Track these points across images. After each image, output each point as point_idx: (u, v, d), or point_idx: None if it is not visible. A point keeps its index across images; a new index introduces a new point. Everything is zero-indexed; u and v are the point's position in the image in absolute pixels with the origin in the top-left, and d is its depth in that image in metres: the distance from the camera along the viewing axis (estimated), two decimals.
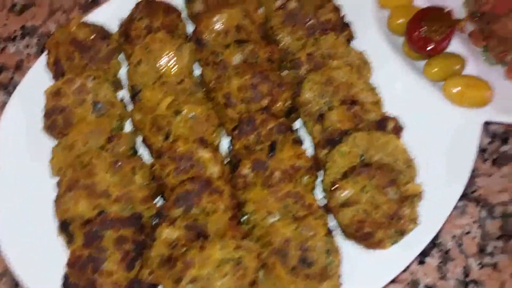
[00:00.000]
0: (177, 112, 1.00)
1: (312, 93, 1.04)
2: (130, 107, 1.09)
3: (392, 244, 0.95)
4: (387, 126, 1.01)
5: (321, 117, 1.03)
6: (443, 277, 1.04)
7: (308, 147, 1.06)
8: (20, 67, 1.24)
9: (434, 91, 1.08)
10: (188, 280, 0.87)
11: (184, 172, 0.96)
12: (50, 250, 0.99)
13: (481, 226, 1.09)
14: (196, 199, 0.93)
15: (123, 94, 1.11)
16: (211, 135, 1.02)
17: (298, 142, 1.03)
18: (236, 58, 1.06)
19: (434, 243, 1.07)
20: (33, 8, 1.25)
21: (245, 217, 0.96)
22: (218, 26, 1.08)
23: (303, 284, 0.89)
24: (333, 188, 0.95)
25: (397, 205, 0.94)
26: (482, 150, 1.15)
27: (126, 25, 1.09)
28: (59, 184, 0.97)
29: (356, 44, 1.13)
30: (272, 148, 0.98)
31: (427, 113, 1.07)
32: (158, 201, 1.01)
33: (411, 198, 0.94)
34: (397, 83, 1.10)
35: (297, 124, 1.08)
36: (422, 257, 1.06)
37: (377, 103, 1.04)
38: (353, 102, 1.02)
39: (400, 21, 1.11)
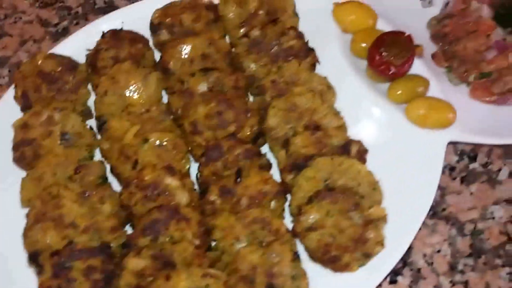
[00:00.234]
0: (144, 141, 1.02)
1: (277, 119, 1.06)
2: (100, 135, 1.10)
3: (359, 266, 0.96)
4: (351, 149, 1.03)
5: (286, 143, 1.05)
6: None
7: (276, 171, 1.08)
8: None
9: (398, 114, 1.10)
10: None
11: (152, 201, 0.97)
12: (22, 281, 1.00)
13: (452, 244, 1.11)
14: (163, 228, 0.94)
15: (94, 122, 1.12)
16: (179, 162, 1.03)
17: (266, 166, 1.05)
18: (202, 86, 1.08)
19: (405, 262, 1.09)
20: (3, 38, 1.27)
21: (213, 244, 0.98)
22: (183, 55, 1.10)
23: None
24: (298, 213, 0.96)
25: (361, 229, 0.95)
26: (451, 168, 1.17)
27: (93, 56, 1.11)
28: (28, 215, 0.98)
29: (321, 68, 1.15)
30: (239, 174, 1.00)
31: (391, 135, 1.10)
32: (128, 229, 1.02)
33: (376, 221, 0.95)
34: (361, 106, 1.12)
35: (265, 148, 1.10)
36: (393, 276, 1.07)
37: (341, 127, 1.05)
38: (317, 127, 1.04)
39: (363, 45, 1.13)
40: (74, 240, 0.93)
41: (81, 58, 1.14)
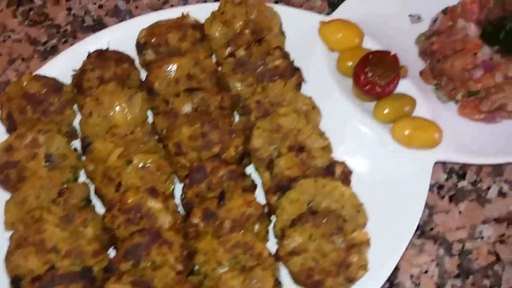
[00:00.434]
0: (128, 163, 1.01)
1: (261, 140, 1.04)
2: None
3: None
4: (336, 171, 1.01)
5: (270, 164, 1.03)
6: None
7: (262, 192, 1.07)
8: None
9: (384, 133, 1.09)
10: None
11: (134, 224, 0.96)
12: None
13: (439, 264, 1.09)
14: (144, 252, 0.93)
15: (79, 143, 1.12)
16: (163, 183, 1.02)
17: (250, 188, 1.04)
18: (186, 107, 1.07)
19: (391, 283, 1.07)
20: None
21: (196, 268, 0.96)
22: (168, 75, 1.09)
23: None
24: (282, 236, 0.95)
25: (345, 253, 0.93)
26: (439, 187, 1.15)
27: (79, 76, 1.10)
28: (10, 239, 0.97)
29: (307, 87, 1.13)
30: (222, 196, 0.99)
31: (377, 155, 1.08)
32: (112, 252, 1.01)
33: (359, 245, 0.94)
34: (347, 125, 1.11)
35: (251, 168, 1.09)
36: None
37: (326, 148, 1.04)
38: (301, 148, 1.02)
39: (349, 63, 1.12)
40: (55, 265, 0.91)
41: (68, 78, 1.13)
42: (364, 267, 0.94)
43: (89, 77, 1.09)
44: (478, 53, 1.09)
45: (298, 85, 1.13)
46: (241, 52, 1.11)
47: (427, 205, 1.11)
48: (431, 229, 1.11)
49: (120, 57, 1.12)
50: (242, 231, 0.95)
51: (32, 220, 0.95)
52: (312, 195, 0.98)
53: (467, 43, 1.09)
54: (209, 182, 1.01)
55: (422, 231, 1.11)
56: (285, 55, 1.12)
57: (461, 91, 1.12)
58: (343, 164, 1.03)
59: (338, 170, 1.02)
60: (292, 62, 1.13)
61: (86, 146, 1.05)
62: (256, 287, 0.89)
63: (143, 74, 1.15)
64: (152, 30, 1.14)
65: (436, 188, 1.14)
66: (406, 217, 1.03)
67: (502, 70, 1.08)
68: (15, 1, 1.31)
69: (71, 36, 1.28)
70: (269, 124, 1.05)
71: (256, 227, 0.97)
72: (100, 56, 1.11)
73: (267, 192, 1.03)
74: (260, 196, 1.05)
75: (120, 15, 1.31)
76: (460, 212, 1.13)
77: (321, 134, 1.06)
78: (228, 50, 1.13)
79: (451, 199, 1.14)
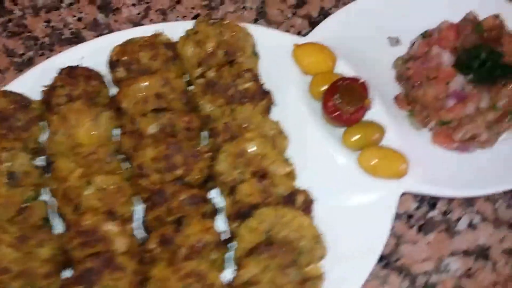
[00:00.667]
0: (88, 183, 0.98)
1: (226, 164, 1.01)
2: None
3: None
4: (297, 199, 0.98)
5: (232, 190, 1.01)
6: None
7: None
8: None
9: (352, 161, 1.05)
10: None
11: (90, 247, 0.94)
12: None
13: None
14: (97, 277, 0.90)
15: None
16: (123, 206, 0.99)
17: (211, 213, 1.01)
18: (152, 127, 1.04)
19: None
20: None
21: None
22: (137, 94, 1.07)
23: None
24: (236, 267, 0.93)
25: (298, 286, 0.91)
26: (409, 216, 1.11)
27: (48, 93, 1.07)
28: None
29: (278, 110, 1.10)
30: (179, 222, 0.96)
31: (343, 183, 1.04)
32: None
33: (313, 279, 0.91)
34: (316, 151, 1.07)
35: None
36: None
37: (289, 175, 1.00)
38: (264, 175, 0.99)
39: (321, 88, 1.08)
40: (6, 286, 0.90)
41: (39, 94, 1.12)
42: None
43: (58, 94, 1.06)
44: (450, 82, 1.04)
45: (268, 108, 1.10)
46: (211, 73, 1.08)
47: (394, 235, 1.07)
48: (397, 260, 1.07)
49: (90, 74, 1.09)
50: (197, 259, 0.92)
51: None
52: (271, 224, 0.95)
53: (440, 71, 1.04)
54: (169, 206, 0.99)
55: (387, 262, 1.06)
56: (256, 78, 1.08)
57: (434, 119, 1.07)
58: (305, 192, 1.00)
59: (299, 199, 0.98)
60: (263, 85, 1.09)
61: (49, 164, 1.03)
62: None
63: (115, 92, 1.13)
64: (124, 47, 1.10)
65: (406, 217, 1.10)
66: (368, 248, 0.99)
67: (474, 101, 1.03)
68: None
69: (48, 49, 1.25)
70: (234, 148, 1.01)
71: (213, 255, 0.95)
72: (70, 73, 1.08)
73: (228, 218, 1.00)
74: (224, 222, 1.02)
75: (98, 28, 1.29)
76: (428, 243, 1.09)
77: (286, 161, 1.02)
78: (199, 70, 1.10)
79: (420, 229, 1.10)
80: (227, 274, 0.97)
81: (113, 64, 1.11)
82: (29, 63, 1.24)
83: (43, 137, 1.08)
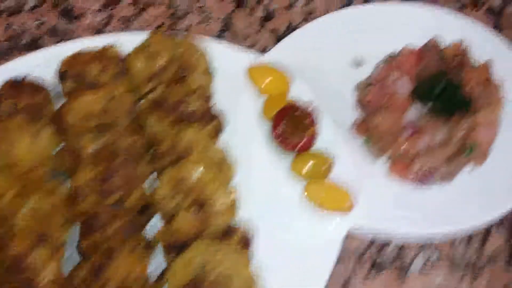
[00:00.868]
0: (21, 204, 0.94)
1: (166, 191, 0.95)
2: None
3: None
4: (235, 233, 0.92)
5: (170, 219, 0.95)
6: None
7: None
8: None
9: (298, 191, 0.97)
10: None
11: (16, 273, 0.90)
12: None
13: None
14: None
15: None
16: (57, 230, 0.94)
17: (149, 243, 0.95)
18: (93, 146, 0.99)
19: None
20: None
21: None
22: (80, 109, 1.01)
23: None
24: None
25: None
26: (361, 254, 1.04)
27: None
28: None
29: (229, 132, 1.03)
30: (109, 252, 0.91)
31: (287, 216, 0.96)
32: None
33: None
34: (262, 178, 0.99)
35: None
36: None
37: (231, 206, 0.92)
38: (202, 205, 0.93)
39: (274, 110, 0.99)
40: None
41: None
42: None
43: (0, 107, 1.03)
44: (406, 112, 0.96)
45: (218, 131, 1.03)
46: (159, 90, 1.02)
47: (342, 274, 1.01)
48: None
49: (36, 88, 1.02)
50: None
51: None
52: (204, 260, 0.88)
53: (397, 99, 0.96)
54: (103, 232, 0.94)
55: None
56: (207, 98, 1.02)
57: (390, 149, 1.00)
58: (245, 225, 0.94)
59: (238, 233, 0.92)
60: (214, 105, 1.03)
61: None
62: None
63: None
64: (74, 59, 1.04)
65: (357, 255, 1.03)
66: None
67: (429, 134, 0.95)
68: None
69: (6, 54, 1.21)
70: (175, 173, 0.95)
71: None
72: (15, 86, 1.02)
73: (164, 250, 0.94)
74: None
75: (59, 35, 1.23)
76: (379, 284, 1.02)
77: (230, 189, 0.95)
78: (149, 86, 1.04)
79: (371, 268, 1.03)
80: None
81: (62, 76, 1.05)
82: None
83: None
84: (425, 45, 1.03)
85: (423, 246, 1.02)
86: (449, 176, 0.99)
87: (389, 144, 0.99)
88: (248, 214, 0.96)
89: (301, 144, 0.96)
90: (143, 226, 0.95)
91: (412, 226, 0.97)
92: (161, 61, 1.03)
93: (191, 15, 1.23)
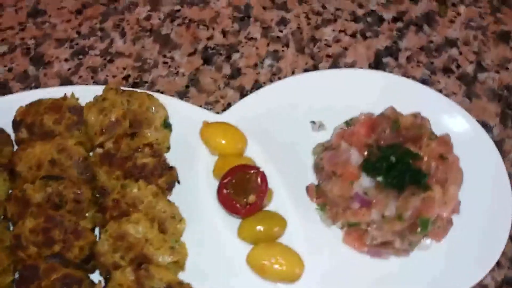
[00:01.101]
0: None
1: (107, 246, 0.94)
2: None
3: None
4: None
5: (107, 275, 0.93)
6: None
7: None
8: None
9: (242, 257, 0.95)
10: None
11: None
12: None
13: None
14: None
15: None
16: None
17: None
18: (39, 196, 0.98)
19: None
20: None
21: None
22: (31, 158, 1.01)
23: None
24: None
25: None
26: None
27: None
28: None
29: (180, 190, 1.03)
30: None
31: (228, 283, 0.95)
32: None
33: None
34: (208, 240, 0.98)
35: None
36: None
37: (175, 264, 0.92)
38: (141, 263, 0.91)
39: (225, 171, 1.01)
40: None
41: None
42: None
43: None
44: (354, 183, 0.95)
45: (169, 187, 1.03)
46: (109, 144, 1.03)
47: None
48: None
49: None
50: None
51: None
52: None
53: (346, 169, 0.96)
54: (40, 284, 0.92)
55: None
56: (157, 153, 1.02)
57: (341, 218, 0.98)
58: (187, 287, 0.91)
59: None
60: (165, 161, 1.03)
61: None
62: None
63: None
64: (30, 108, 1.05)
65: None
66: None
67: (378, 208, 0.93)
68: None
69: None
70: (116, 229, 0.94)
71: None
72: None
73: None
74: None
75: (27, 81, 1.25)
76: None
77: (173, 248, 0.94)
78: (101, 139, 1.04)
79: None
80: None
81: (16, 124, 1.06)
82: None
83: None
84: (382, 113, 1.03)
85: None
86: (404, 251, 0.97)
87: (340, 213, 0.97)
88: (191, 276, 0.94)
89: (251, 206, 0.94)
90: (81, 280, 0.93)
91: None
92: (113, 116, 1.04)
93: (158, 68, 1.25)
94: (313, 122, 1.10)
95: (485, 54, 1.28)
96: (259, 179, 0.95)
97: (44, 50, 1.28)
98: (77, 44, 1.29)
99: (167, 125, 1.07)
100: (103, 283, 0.94)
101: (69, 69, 1.26)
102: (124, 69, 1.25)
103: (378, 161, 0.94)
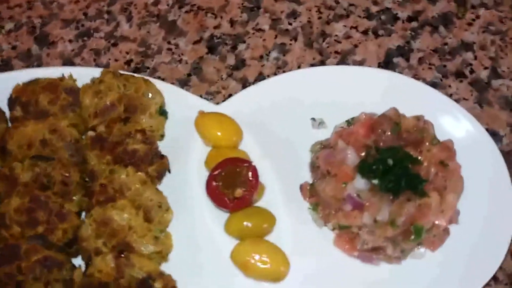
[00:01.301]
0: None
1: (89, 231, 0.93)
2: None
3: None
4: (154, 286, 0.87)
5: (88, 260, 0.92)
6: None
7: None
8: None
9: (226, 252, 0.93)
10: None
11: None
12: None
13: None
14: None
15: None
16: None
17: (65, 282, 0.92)
18: (26, 175, 0.98)
19: None
20: None
21: None
22: (22, 137, 1.01)
23: None
24: None
25: None
26: None
27: None
28: None
29: (171, 179, 1.02)
30: (18, 286, 0.89)
31: (211, 278, 0.93)
32: None
33: None
34: (196, 232, 0.96)
35: None
36: None
37: (158, 255, 0.91)
38: (122, 251, 0.90)
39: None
40: None
41: None
42: None
43: None
44: (347, 185, 0.92)
45: (159, 175, 1.01)
46: (101, 127, 1.02)
47: None
48: None
49: None
50: None
51: None
52: None
53: (341, 169, 0.93)
54: (19, 264, 0.92)
55: None
56: (149, 140, 1.00)
57: (333, 220, 0.95)
58: (166, 278, 0.90)
59: (157, 286, 0.87)
60: (156, 148, 1.02)
61: None
62: None
63: None
64: (26, 86, 1.05)
65: None
66: None
67: (370, 212, 0.90)
68: None
69: None
70: (100, 215, 0.93)
71: None
72: None
73: None
74: None
75: (30, 60, 1.25)
76: None
77: (156, 238, 0.93)
78: (94, 122, 1.03)
79: None
80: None
81: (11, 102, 1.06)
82: None
83: None
84: (383, 114, 0.99)
85: None
86: (396, 258, 0.94)
87: (332, 214, 0.94)
88: (174, 267, 0.92)
89: (238, 200, 0.93)
90: (62, 263, 0.92)
91: None
92: (108, 99, 1.03)
93: (161, 54, 1.24)
94: (313, 119, 1.07)
95: (501, 60, 1.23)
96: (250, 174, 0.93)
97: (50, 30, 1.28)
98: (82, 25, 1.29)
99: (162, 112, 1.06)
100: (83, 268, 0.93)
101: (73, 50, 1.25)
102: (127, 53, 1.24)
103: (375, 163, 0.91)
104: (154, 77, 1.17)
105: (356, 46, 1.25)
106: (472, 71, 1.22)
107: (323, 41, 1.25)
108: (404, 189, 0.90)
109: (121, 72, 1.07)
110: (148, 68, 1.22)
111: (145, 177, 0.97)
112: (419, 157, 0.93)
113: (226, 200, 0.93)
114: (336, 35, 1.26)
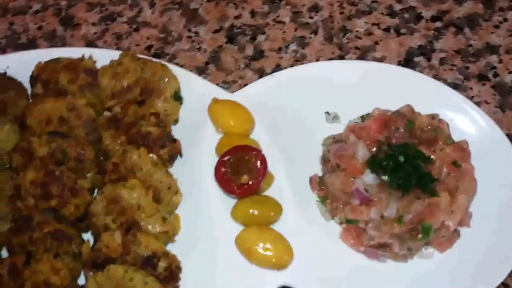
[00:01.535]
0: None
1: (100, 207, 0.97)
2: None
3: None
4: (158, 265, 0.90)
5: (97, 236, 0.96)
6: None
7: None
8: None
9: (231, 238, 0.96)
10: None
11: None
12: None
13: None
14: None
15: None
16: None
17: (74, 255, 0.96)
18: (43, 150, 1.02)
19: None
20: None
21: None
22: (41, 113, 1.06)
23: None
24: None
25: None
26: None
27: None
28: None
29: (182, 163, 1.05)
30: (29, 256, 0.94)
31: (214, 261, 0.96)
32: None
33: None
34: (202, 216, 0.99)
35: None
36: None
37: (164, 235, 0.94)
38: (128, 228, 0.94)
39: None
40: None
41: None
42: None
43: None
44: (356, 179, 0.93)
45: (171, 158, 1.05)
46: (117, 109, 1.06)
47: None
48: None
49: (9, 84, 1.11)
50: None
51: None
52: (117, 285, 0.89)
53: (351, 164, 0.95)
54: (32, 235, 0.96)
55: None
56: (162, 123, 1.04)
57: (340, 214, 0.97)
58: (171, 258, 0.93)
59: (162, 264, 0.90)
60: (169, 132, 1.05)
61: None
62: None
63: None
64: (47, 65, 1.10)
65: None
66: None
67: (378, 207, 0.92)
68: None
69: (1, 50, 1.30)
70: (111, 192, 0.97)
71: None
72: None
73: (84, 265, 0.95)
74: None
75: (54, 40, 1.31)
76: None
77: (164, 219, 0.96)
78: (111, 103, 1.08)
79: None
80: None
81: (33, 79, 1.11)
82: None
83: None
84: (397, 110, 1.01)
85: None
86: (403, 256, 0.95)
87: (340, 207, 0.96)
88: (180, 248, 0.96)
89: (246, 187, 0.95)
90: (72, 237, 0.96)
91: None
92: (125, 81, 1.07)
93: (181, 42, 1.27)
94: (327, 113, 1.09)
95: None
96: (258, 162, 0.96)
97: (75, 12, 1.34)
98: (106, 9, 1.34)
99: (177, 97, 1.09)
100: (91, 243, 0.97)
101: (95, 33, 1.30)
102: (148, 38, 1.29)
103: (386, 159, 0.92)
104: (173, 64, 1.20)
105: (376, 43, 1.26)
106: (496, 75, 1.23)
107: (344, 36, 1.27)
108: (414, 187, 0.91)
109: (139, 56, 1.11)
110: (167, 54, 1.26)
111: (157, 159, 1.01)
112: (432, 156, 0.94)
113: (234, 186, 0.96)
114: (357, 31, 1.28)
